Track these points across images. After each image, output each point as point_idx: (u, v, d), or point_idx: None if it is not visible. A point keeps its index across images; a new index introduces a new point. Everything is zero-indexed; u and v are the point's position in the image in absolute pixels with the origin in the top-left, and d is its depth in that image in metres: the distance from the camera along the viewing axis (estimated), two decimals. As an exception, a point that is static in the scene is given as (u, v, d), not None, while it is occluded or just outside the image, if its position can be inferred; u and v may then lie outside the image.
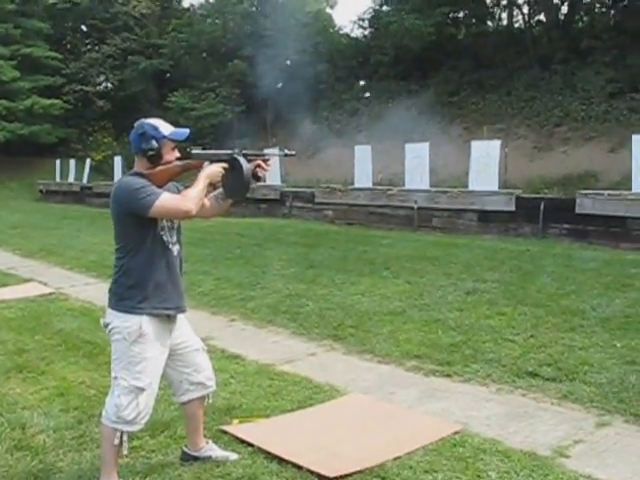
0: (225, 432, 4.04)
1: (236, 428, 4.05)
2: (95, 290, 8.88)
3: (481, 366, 5.39)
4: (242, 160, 3.35)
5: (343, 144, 23.77)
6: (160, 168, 3.25)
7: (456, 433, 4.07)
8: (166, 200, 3.13)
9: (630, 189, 10.68)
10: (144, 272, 3.21)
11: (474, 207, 11.70)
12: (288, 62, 25.43)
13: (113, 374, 3.25)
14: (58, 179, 27.45)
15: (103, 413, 3.29)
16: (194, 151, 3.35)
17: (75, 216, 19.80)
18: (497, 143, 12.40)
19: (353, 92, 25.59)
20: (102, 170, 28.30)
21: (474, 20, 24.96)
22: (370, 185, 14.23)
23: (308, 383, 5.05)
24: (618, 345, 5.65)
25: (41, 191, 27.91)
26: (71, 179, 26.56)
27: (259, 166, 3.45)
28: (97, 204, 23.50)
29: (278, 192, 16.09)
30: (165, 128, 3.25)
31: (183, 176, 3.41)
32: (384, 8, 25.65)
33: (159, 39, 31.31)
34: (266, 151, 3.80)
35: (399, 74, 24.78)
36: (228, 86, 25.87)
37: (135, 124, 3.27)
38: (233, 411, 4.39)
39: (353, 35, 28.37)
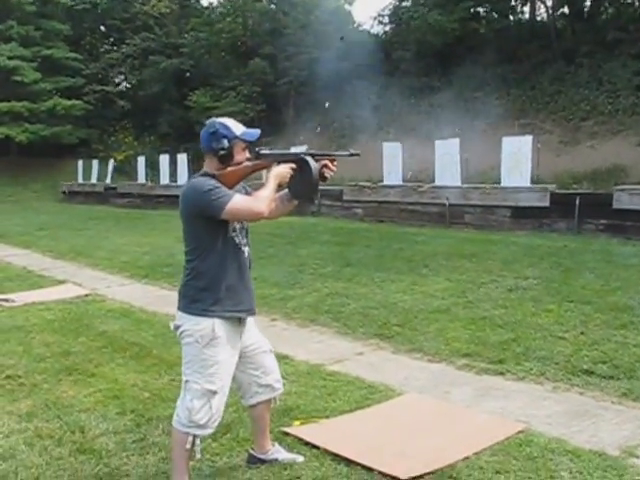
0: (287, 434, 3.99)
1: (298, 430, 4.01)
2: (131, 290, 8.91)
3: (534, 364, 5.31)
4: (310, 161, 3.29)
5: (366, 141, 23.71)
6: (231, 169, 3.20)
7: (520, 432, 4.01)
8: (239, 202, 3.08)
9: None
10: (216, 274, 3.16)
11: (507, 203, 11.58)
12: (308, 59, 25.33)
13: (185, 377, 3.21)
14: (80, 180, 27.57)
15: (175, 417, 3.26)
16: (263, 151, 3.30)
17: (100, 217, 19.87)
18: (529, 138, 12.27)
19: (375, 89, 25.45)
20: (124, 170, 28.42)
21: (495, 14, 24.76)
22: (400, 182, 14.15)
23: (361, 383, 5.01)
24: (673, 342, 5.55)
25: (64, 192, 28.04)
26: (94, 179, 26.68)
27: (326, 166, 3.38)
28: (121, 204, 23.62)
29: (306, 190, 15.87)
30: (237, 128, 3.20)
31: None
32: (404, 4, 25.48)
33: (179, 38, 31.36)
34: (332, 152, 3.73)
35: (421, 70, 24.62)
36: (249, 84, 25.85)
37: (207, 122, 3.23)
38: (291, 412, 4.34)
39: (373, 31, 28.26)
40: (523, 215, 11.49)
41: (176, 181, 21.12)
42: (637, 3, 21.52)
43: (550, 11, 23.09)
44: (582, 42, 21.24)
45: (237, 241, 3.24)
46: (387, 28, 26.96)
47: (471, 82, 23.18)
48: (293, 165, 3.29)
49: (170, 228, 13.79)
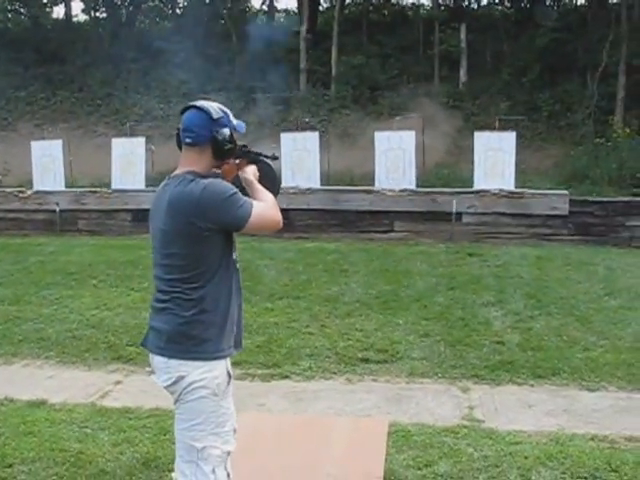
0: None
1: None
2: None
3: (309, 363, 5.42)
4: (269, 161, 2.85)
5: None
6: (227, 166, 2.60)
7: (391, 425, 4.09)
8: (261, 209, 2.47)
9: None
10: (226, 304, 2.52)
11: (129, 207, 11.10)
12: None
13: (197, 444, 2.45)
14: None
15: None
16: (245, 149, 2.72)
17: None
18: (142, 140, 12.03)
19: None
20: None
21: (24, 11, 23.34)
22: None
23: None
24: (400, 322, 6.27)
25: None
26: None
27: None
28: None
29: None
30: (231, 116, 2.55)
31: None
32: None
33: None
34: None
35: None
36: None
37: (198, 105, 2.49)
38: (154, 465, 3.66)
39: None
40: (144, 218, 11.15)
41: None
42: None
43: (92, 14, 22.79)
44: (128, 49, 21.51)
45: (235, 258, 2.61)
46: None
47: (12, 80, 21.55)
48: (255, 166, 2.78)
49: None
